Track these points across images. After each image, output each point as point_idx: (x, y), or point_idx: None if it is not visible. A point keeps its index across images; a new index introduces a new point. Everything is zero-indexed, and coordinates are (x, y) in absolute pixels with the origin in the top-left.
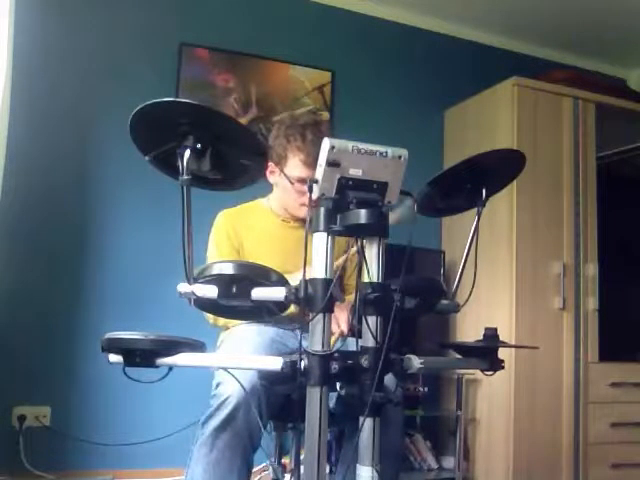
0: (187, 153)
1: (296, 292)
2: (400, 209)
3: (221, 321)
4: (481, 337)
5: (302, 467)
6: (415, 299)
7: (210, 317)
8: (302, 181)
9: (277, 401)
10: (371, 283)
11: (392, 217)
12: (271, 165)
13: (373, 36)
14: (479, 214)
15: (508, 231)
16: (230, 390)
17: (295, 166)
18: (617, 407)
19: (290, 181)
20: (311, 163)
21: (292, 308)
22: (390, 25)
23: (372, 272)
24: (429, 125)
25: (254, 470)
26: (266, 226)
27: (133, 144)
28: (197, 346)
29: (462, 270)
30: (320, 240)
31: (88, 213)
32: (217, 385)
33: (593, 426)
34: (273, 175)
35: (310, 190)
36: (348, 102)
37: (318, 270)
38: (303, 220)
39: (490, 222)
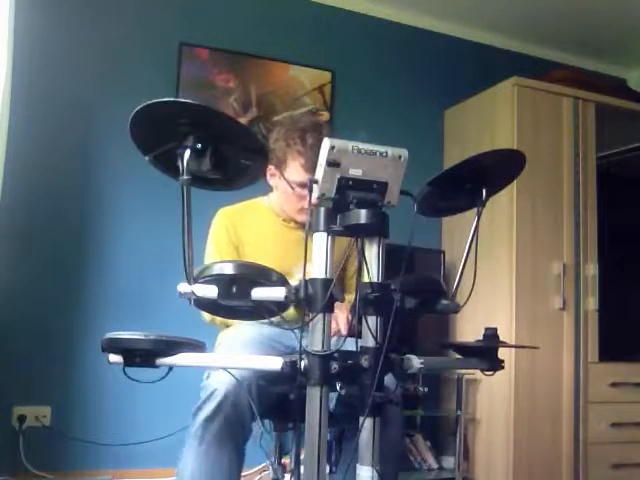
0: (187, 153)
1: (296, 292)
2: None
3: (218, 319)
4: (481, 337)
5: (302, 467)
6: (415, 299)
7: (207, 316)
8: (302, 185)
9: (276, 401)
10: (371, 283)
11: None
12: (271, 168)
13: (373, 36)
14: (479, 214)
15: (508, 231)
16: (218, 381)
17: (295, 170)
18: (617, 407)
19: (291, 186)
20: (311, 167)
21: (291, 311)
22: (390, 25)
23: (372, 272)
24: (429, 125)
25: (254, 470)
26: (266, 225)
27: (133, 144)
28: (197, 346)
29: (462, 270)
30: (320, 240)
31: (88, 213)
32: (206, 377)
33: (593, 426)
34: (273, 178)
35: (310, 190)
36: (348, 102)
37: (318, 270)
38: (303, 223)
39: (490, 222)
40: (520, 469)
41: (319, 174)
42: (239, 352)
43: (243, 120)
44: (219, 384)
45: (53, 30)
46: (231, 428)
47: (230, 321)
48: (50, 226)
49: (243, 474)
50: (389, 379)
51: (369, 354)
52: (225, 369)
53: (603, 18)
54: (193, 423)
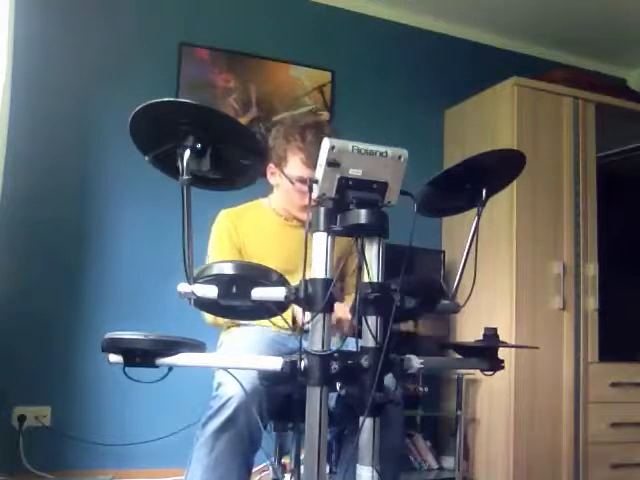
0: (187, 153)
1: (296, 292)
2: None
3: (221, 320)
4: (481, 337)
5: (302, 467)
6: (415, 299)
7: (209, 317)
8: (303, 181)
9: (277, 401)
10: (371, 283)
11: None
12: (271, 166)
13: (373, 36)
14: (479, 214)
15: (508, 231)
16: (232, 391)
17: (295, 166)
18: (617, 407)
19: (290, 181)
20: (311, 163)
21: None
22: (390, 25)
23: (372, 272)
24: (429, 125)
25: (254, 470)
26: (267, 226)
27: (133, 144)
28: (197, 346)
29: (462, 270)
30: (320, 240)
31: (88, 213)
32: (218, 386)
33: (593, 426)
34: (274, 176)
35: (310, 190)
36: (348, 102)
37: (318, 270)
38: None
39: (490, 222)
40: (520, 469)
41: (319, 174)
42: (241, 353)
43: (243, 120)
44: (233, 394)
45: (53, 31)
46: (242, 439)
47: (234, 321)
48: (50, 226)
49: None
50: (389, 379)
51: (369, 354)
52: (236, 379)
53: (603, 18)
54: (203, 432)
